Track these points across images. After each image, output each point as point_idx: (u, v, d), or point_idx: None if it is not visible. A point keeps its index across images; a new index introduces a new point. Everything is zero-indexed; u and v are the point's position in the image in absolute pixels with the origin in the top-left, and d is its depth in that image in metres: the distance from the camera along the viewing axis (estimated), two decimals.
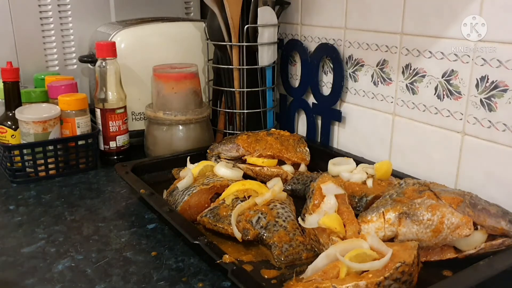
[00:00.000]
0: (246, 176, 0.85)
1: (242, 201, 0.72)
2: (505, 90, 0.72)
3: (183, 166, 0.87)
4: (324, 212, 0.65)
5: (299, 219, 0.69)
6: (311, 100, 1.06)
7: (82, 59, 1.07)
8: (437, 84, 0.81)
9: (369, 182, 0.77)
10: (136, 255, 0.67)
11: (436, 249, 0.63)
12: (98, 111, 0.98)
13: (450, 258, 0.62)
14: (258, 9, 0.98)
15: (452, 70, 0.79)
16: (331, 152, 0.96)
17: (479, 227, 0.61)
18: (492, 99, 0.74)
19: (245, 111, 1.04)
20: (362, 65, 0.94)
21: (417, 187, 0.67)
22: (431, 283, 0.54)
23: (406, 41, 0.85)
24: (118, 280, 0.61)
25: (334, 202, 0.66)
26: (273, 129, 0.96)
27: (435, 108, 0.82)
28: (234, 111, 1.05)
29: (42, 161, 0.92)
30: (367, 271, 0.54)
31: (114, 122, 0.97)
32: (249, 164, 0.89)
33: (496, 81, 0.73)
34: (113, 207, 0.82)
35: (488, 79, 0.74)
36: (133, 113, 1.06)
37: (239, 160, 0.91)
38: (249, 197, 0.73)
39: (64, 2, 1.15)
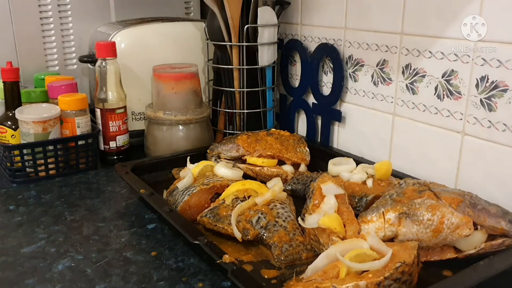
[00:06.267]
0: (246, 176, 0.85)
1: (242, 201, 0.72)
2: (505, 90, 0.72)
3: (183, 166, 0.87)
4: (324, 212, 0.65)
5: (299, 219, 0.69)
6: (311, 100, 1.06)
7: (82, 59, 1.07)
8: (437, 84, 0.81)
9: (369, 182, 0.77)
10: (136, 255, 0.67)
11: (436, 249, 0.63)
12: (98, 111, 0.97)
13: (450, 258, 0.62)
14: (258, 9, 0.98)
15: (452, 70, 0.79)
16: (331, 152, 0.96)
17: (479, 227, 0.61)
18: (492, 99, 0.74)
19: (245, 111, 1.04)
20: (362, 65, 0.94)
21: (417, 187, 0.67)
22: (431, 283, 0.54)
23: (406, 41, 0.85)
24: (118, 280, 0.61)
25: (334, 202, 0.66)
26: (273, 129, 0.96)
27: (435, 108, 0.82)
28: (234, 111, 1.05)
29: (42, 161, 0.92)
30: (367, 271, 0.54)
31: (114, 122, 0.97)
32: (249, 164, 0.89)
33: (496, 81, 0.73)
34: (113, 207, 0.82)
35: (488, 79, 0.74)
36: (133, 113, 1.06)
37: (239, 160, 0.91)
38: (249, 197, 0.73)
39: (64, 2, 1.15)
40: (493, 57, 0.73)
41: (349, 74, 0.98)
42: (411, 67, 0.85)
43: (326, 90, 1.03)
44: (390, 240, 0.63)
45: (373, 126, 0.94)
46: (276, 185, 0.75)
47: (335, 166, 0.83)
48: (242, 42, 1.00)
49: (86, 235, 0.72)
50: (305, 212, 0.70)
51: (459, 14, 0.75)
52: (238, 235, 0.67)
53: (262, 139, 0.91)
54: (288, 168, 0.89)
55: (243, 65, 1.01)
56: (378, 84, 0.92)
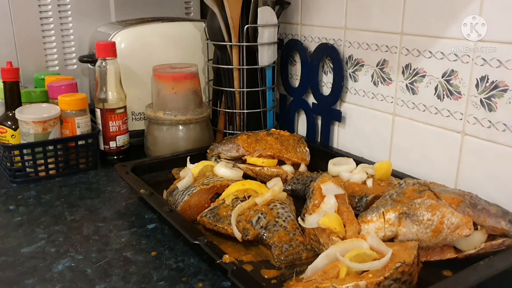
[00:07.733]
0: (246, 176, 0.85)
1: (242, 201, 0.72)
2: (505, 90, 0.72)
3: (183, 166, 0.87)
4: (324, 212, 0.65)
5: (299, 219, 0.69)
6: (311, 100, 1.06)
7: (82, 59, 1.07)
8: (437, 84, 0.81)
9: (369, 182, 0.77)
10: (136, 255, 0.67)
11: (436, 249, 0.63)
12: (98, 111, 0.97)
13: (450, 258, 0.62)
14: (258, 9, 0.98)
15: (452, 70, 0.79)
16: (331, 152, 0.96)
17: (479, 227, 0.61)
18: (492, 99, 0.74)
19: (245, 111, 1.04)
20: (362, 65, 0.94)
21: (417, 187, 0.67)
22: (431, 283, 0.54)
23: (406, 41, 0.85)
24: (118, 280, 0.61)
25: (334, 202, 0.66)
26: (273, 129, 0.96)
27: (435, 108, 0.82)
28: (234, 111, 1.05)
29: (42, 161, 0.92)
30: (367, 271, 0.54)
31: (114, 122, 0.97)
32: (249, 164, 0.89)
33: (496, 81, 0.73)
34: (113, 207, 0.82)
35: (488, 79, 0.74)
36: (133, 113, 1.06)
37: (239, 160, 0.91)
38: (249, 197, 0.73)
39: (64, 2, 1.15)
40: (493, 57, 0.73)
41: (349, 74, 0.98)
42: (411, 67, 0.85)
43: (326, 90, 1.03)
44: (390, 240, 0.63)
45: (373, 126, 0.94)
46: (276, 185, 0.75)
47: (335, 166, 0.83)
48: (242, 42, 1.00)
49: (86, 235, 0.72)
50: (305, 212, 0.70)
51: (459, 14, 0.75)
52: (238, 235, 0.67)
53: (262, 139, 0.91)
54: (288, 168, 0.89)
55: (243, 65, 1.01)
56: (378, 84, 0.92)
